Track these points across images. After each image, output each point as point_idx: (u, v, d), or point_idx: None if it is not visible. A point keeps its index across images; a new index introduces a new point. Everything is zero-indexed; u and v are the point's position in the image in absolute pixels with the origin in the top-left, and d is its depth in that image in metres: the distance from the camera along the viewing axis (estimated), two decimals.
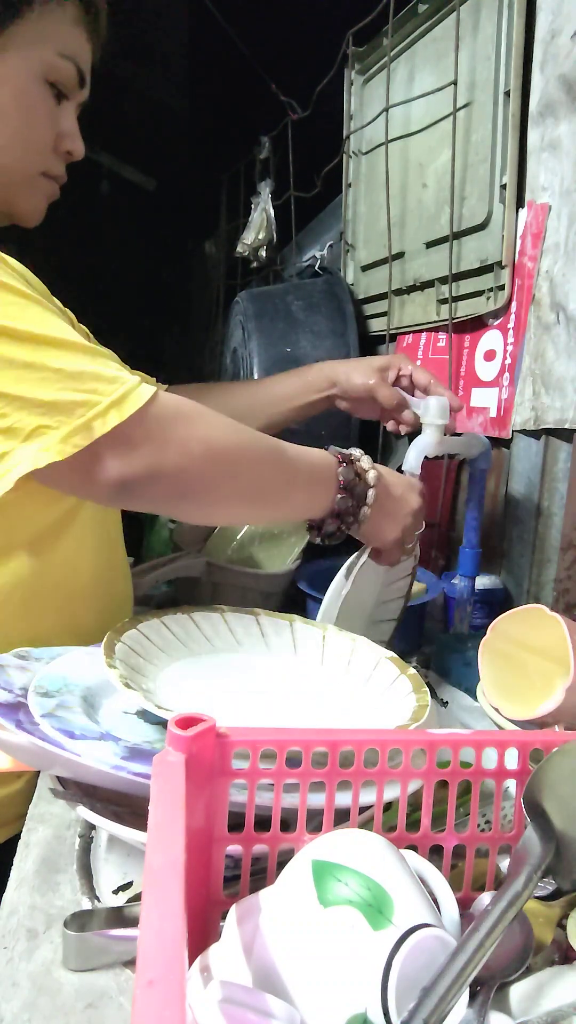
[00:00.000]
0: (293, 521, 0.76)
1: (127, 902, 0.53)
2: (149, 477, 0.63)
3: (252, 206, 1.91)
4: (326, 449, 0.76)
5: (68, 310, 0.94)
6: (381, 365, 0.97)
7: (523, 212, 1.03)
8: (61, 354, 0.60)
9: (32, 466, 0.59)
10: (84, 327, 0.96)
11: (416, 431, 0.94)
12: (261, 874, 0.46)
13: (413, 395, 0.97)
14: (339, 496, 0.73)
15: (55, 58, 0.69)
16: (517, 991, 0.43)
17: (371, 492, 0.74)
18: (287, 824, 0.46)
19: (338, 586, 0.81)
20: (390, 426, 0.98)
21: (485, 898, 0.46)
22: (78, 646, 0.71)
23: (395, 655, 0.74)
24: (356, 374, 0.96)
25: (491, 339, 1.13)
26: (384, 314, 1.40)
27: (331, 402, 0.99)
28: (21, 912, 0.52)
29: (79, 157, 0.76)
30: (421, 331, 1.30)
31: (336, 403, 0.99)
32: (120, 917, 0.49)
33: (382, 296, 1.41)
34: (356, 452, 0.77)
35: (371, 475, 0.75)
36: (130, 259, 3.14)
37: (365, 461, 0.76)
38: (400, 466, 0.97)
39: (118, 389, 0.60)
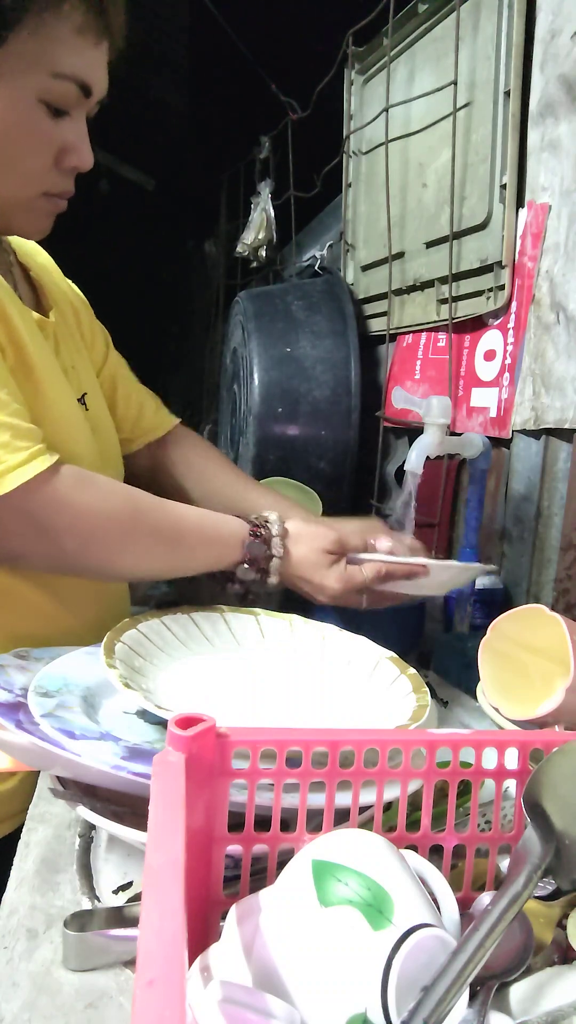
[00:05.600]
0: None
1: (127, 902, 0.53)
2: (19, 561, 0.66)
3: (252, 206, 1.91)
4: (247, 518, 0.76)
5: (84, 299, 0.92)
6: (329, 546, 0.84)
7: (523, 212, 1.03)
8: None
9: None
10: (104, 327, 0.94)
11: (417, 432, 0.93)
12: (261, 874, 0.46)
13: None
14: (250, 541, 0.74)
15: (49, 80, 0.64)
16: (517, 991, 0.43)
17: (273, 578, 0.75)
18: (287, 824, 0.46)
19: None
20: None
21: (485, 898, 0.46)
22: (76, 646, 0.71)
23: (395, 655, 0.74)
24: (354, 538, 0.86)
25: (491, 339, 1.13)
26: (384, 314, 1.40)
27: None
28: (21, 912, 0.52)
29: (86, 169, 0.71)
30: (421, 331, 1.30)
31: None
32: (120, 917, 0.49)
33: (382, 296, 1.41)
34: (270, 526, 0.76)
35: (274, 564, 0.75)
36: (130, 259, 3.14)
37: (275, 547, 0.75)
38: (402, 466, 0.97)
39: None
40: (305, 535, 0.77)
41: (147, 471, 0.97)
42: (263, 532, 0.75)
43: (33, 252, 0.85)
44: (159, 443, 0.97)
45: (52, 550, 0.66)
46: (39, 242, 0.82)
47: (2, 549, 0.65)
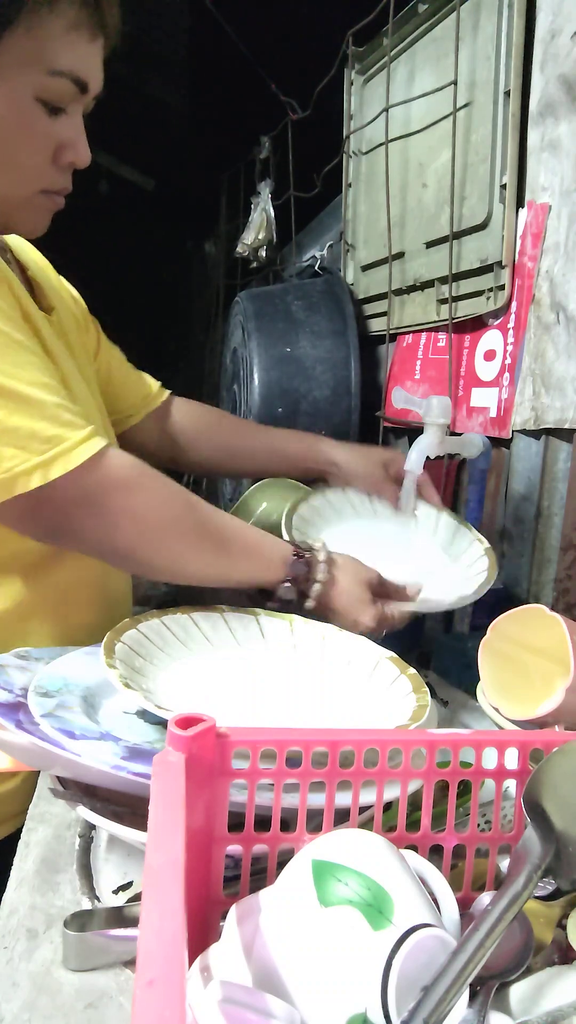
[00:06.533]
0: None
1: (127, 902, 0.53)
2: (71, 537, 0.67)
3: (252, 206, 1.91)
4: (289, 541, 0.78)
5: (76, 294, 0.93)
6: (385, 460, 0.99)
7: (523, 212, 1.03)
8: (4, 404, 0.60)
9: None
10: (95, 318, 0.95)
11: (417, 432, 0.94)
12: (261, 874, 0.46)
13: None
14: (293, 560, 0.75)
15: (45, 78, 0.64)
16: (517, 991, 0.43)
17: (310, 601, 0.76)
18: (287, 824, 0.46)
19: None
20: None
21: (485, 898, 0.46)
22: (77, 646, 0.71)
23: (395, 655, 0.74)
24: (359, 464, 0.99)
25: (491, 339, 1.13)
26: (384, 314, 1.40)
27: (325, 475, 1.02)
28: (21, 912, 0.52)
29: (84, 166, 0.71)
30: (421, 331, 1.30)
31: (329, 478, 1.02)
32: (120, 917, 0.49)
33: (382, 296, 1.41)
34: (316, 552, 0.76)
35: (315, 588, 0.75)
36: (130, 259, 3.14)
37: (320, 571, 0.75)
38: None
39: (49, 451, 0.61)
40: (350, 567, 0.79)
41: (155, 438, 1.00)
42: (307, 555, 0.76)
43: (28, 251, 0.85)
44: (160, 413, 1.00)
45: (107, 529, 0.66)
46: (36, 241, 0.82)
47: (60, 526, 0.66)
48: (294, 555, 0.75)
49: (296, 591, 0.75)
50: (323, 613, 0.77)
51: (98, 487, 0.64)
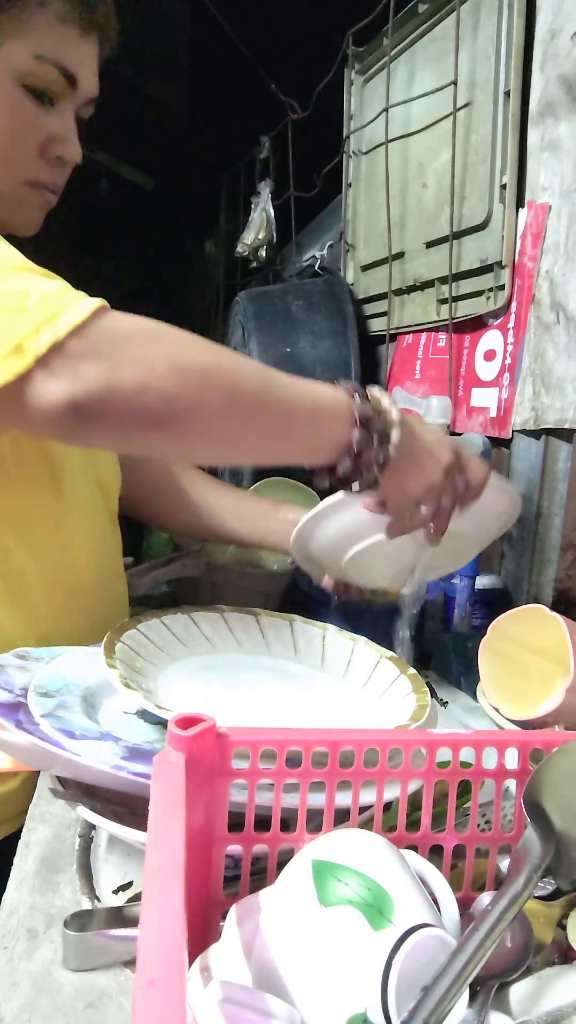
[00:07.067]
0: (299, 463, 0.61)
1: (127, 902, 0.53)
2: (103, 396, 0.52)
3: (252, 206, 1.91)
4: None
5: None
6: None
7: (523, 212, 1.03)
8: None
9: None
10: None
11: None
12: (261, 874, 0.46)
13: None
14: (356, 431, 0.59)
15: (30, 61, 0.64)
16: (517, 991, 0.43)
17: (395, 431, 0.60)
18: (287, 824, 0.46)
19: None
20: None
21: (485, 898, 0.46)
22: (74, 645, 0.71)
23: (395, 655, 0.74)
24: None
25: (491, 339, 1.13)
26: (384, 314, 1.40)
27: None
28: (21, 912, 0.52)
29: (73, 162, 0.71)
30: (421, 331, 1.30)
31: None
32: (120, 917, 0.49)
33: (382, 296, 1.41)
34: (374, 388, 0.63)
35: (394, 412, 0.60)
36: (129, 259, 3.14)
37: (385, 399, 0.61)
38: None
39: (49, 304, 0.52)
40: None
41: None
42: (361, 391, 0.61)
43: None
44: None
45: (142, 376, 0.53)
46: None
47: (87, 393, 0.52)
48: (354, 394, 0.61)
49: (371, 407, 0.60)
50: (405, 457, 0.62)
51: (118, 333, 0.54)
